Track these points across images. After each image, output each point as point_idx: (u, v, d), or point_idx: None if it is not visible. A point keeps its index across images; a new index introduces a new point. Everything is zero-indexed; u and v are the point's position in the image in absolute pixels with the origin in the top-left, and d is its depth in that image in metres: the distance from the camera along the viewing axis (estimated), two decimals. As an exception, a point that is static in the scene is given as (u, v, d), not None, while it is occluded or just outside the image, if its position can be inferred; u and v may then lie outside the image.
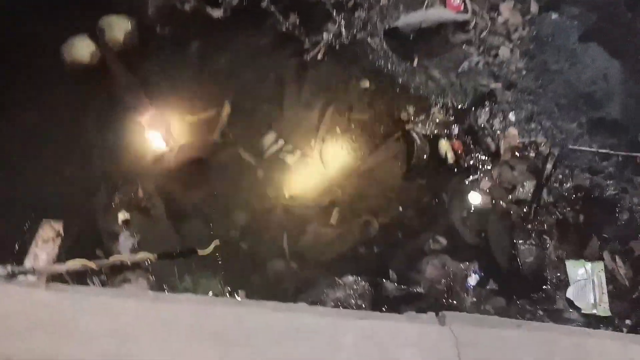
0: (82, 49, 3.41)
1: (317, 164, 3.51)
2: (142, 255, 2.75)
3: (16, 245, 2.85)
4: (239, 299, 2.95)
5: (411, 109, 3.57)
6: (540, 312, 3.05)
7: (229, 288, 3.03)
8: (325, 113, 3.57)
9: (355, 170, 3.46)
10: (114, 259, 2.68)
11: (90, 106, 3.49)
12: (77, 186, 3.22)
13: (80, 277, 2.83)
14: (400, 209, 3.32)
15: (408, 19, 3.73)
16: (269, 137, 3.55)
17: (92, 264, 2.52)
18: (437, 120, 3.52)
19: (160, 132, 3.45)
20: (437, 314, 2.20)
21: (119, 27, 3.49)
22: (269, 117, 3.61)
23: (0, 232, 2.92)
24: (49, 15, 3.41)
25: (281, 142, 3.54)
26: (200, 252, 2.99)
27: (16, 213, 2.98)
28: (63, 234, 3.03)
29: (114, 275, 2.91)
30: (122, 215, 3.12)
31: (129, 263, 2.70)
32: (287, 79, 3.69)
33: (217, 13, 3.69)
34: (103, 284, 2.91)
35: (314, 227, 3.30)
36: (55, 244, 2.97)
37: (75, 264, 2.52)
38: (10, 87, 3.33)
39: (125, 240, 3.05)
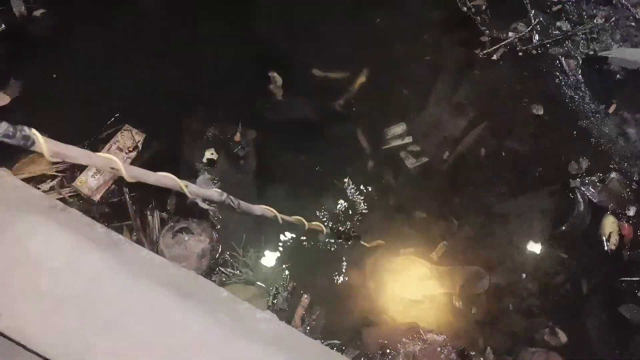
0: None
1: (441, 181, 2.85)
2: (316, 225, 2.22)
3: (85, 145, 2.46)
4: (305, 302, 2.43)
5: (584, 164, 2.79)
6: None
7: (294, 284, 2.50)
8: (475, 126, 2.88)
9: (484, 207, 2.78)
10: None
11: (215, 20, 3.03)
12: (173, 101, 2.77)
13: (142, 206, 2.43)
14: (524, 276, 2.62)
15: (625, 54, 2.90)
16: (397, 129, 2.93)
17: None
18: (613, 191, 2.72)
19: (279, 75, 2.92)
20: None
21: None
22: (406, 105, 2.97)
23: (77, 126, 2.53)
24: None
25: (409, 139, 2.91)
26: (363, 243, 2.59)
27: (100, 109, 2.59)
28: (140, 148, 2.64)
29: (184, 216, 2.47)
30: (209, 153, 2.65)
31: (306, 228, 2.09)
32: (445, 68, 3.01)
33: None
34: (163, 221, 2.49)
35: (410, 253, 2.69)
36: (129, 157, 2.57)
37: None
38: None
39: (203, 183, 2.59)
